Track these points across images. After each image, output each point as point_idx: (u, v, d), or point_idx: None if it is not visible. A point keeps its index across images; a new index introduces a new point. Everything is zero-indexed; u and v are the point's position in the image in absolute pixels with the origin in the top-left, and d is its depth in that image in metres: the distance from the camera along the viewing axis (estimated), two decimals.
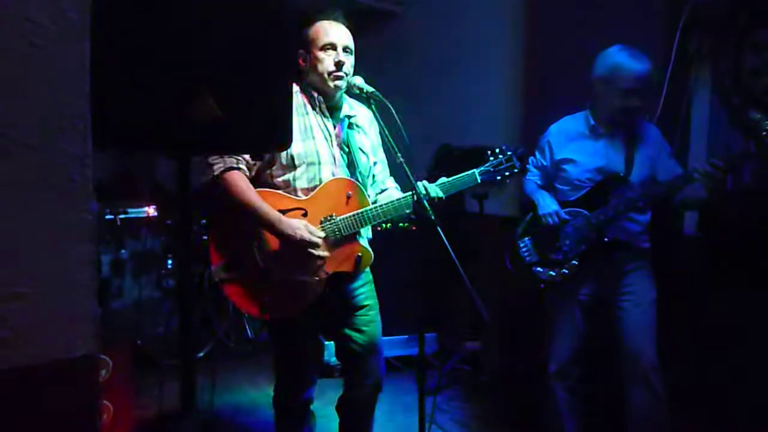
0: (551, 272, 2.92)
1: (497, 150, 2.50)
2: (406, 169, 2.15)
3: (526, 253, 3.00)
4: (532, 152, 3.08)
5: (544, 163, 3.04)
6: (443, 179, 2.47)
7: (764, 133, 2.51)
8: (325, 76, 2.40)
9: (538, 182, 3.06)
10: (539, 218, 2.91)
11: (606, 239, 2.82)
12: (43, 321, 1.06)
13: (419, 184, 2.36)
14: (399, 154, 2.19)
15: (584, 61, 3.31)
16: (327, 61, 2.40)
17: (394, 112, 2.18)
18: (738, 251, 3.07)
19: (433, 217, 2.09)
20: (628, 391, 2.85)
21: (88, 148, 1.12)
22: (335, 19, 2.46)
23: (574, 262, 2.87)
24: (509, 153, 2.49)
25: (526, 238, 3.01)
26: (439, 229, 2.02)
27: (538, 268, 2.96)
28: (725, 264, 3.15)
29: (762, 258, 2.97)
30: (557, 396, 3.01)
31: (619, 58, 2.74)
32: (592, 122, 2.90)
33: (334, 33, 2.42)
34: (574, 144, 2.94)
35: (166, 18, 1.25)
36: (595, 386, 3.08)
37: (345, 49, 2.43)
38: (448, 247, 1.98)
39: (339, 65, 2.38)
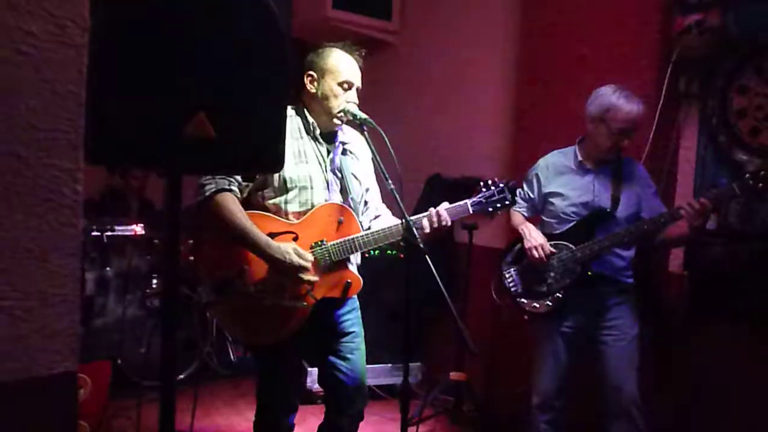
0: (535, 304, 2.94)
1: (489, 182, 2.51)
2: (396, 196, 2.15)
3: (511, 284, 3.02)
4: (520, 184, 3.11)
5: (532, 196, 3.07)
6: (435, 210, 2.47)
7: (747, 175, 2.59)
8: (334, 111, 2.42)
9: (525, 214, 3.08)
10: (525, 250, 2.93)
11: (590, 273, 2.85)
12: (23, 335, 1.05)
13: (432, 209, 2.36)
14: (390, 182, 2.20)
15: (575, 97, 3.36)
16: (341, 98, 2.42)
17: (386, 139, 2.19)
18: (722, 289, 3.10)
19: (422, 245, 2.09)
20: (609, 425, 2.86)
21: (79, 163, 1.12)
22: (356, 56, 2.48)
23: (558, 294, 2.89)
24: (501, 185, 2.50)
25: (512, 269, 3.03)
26: (427, 257, 2.02)
27: (523, 300, 2.97)
28: (709, 301, 3.17)
29: (744, 296, 2.99)
30: (539, 429, 3.00)
31: (614, 99, 2.79)
32: (580, 158, 2.95)
33: (355, 71, 2.45)
34: (561, 178, 2.98)
35: (163, 37, 1.26)
36: (577, 418, 3.06)
37: (357, 90, 2.47)
38: (436, 275, 1.98)
39: (351, 105, 2.41)
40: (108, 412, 3.13)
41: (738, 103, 3.11)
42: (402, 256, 4.28)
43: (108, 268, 2.96)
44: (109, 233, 3.05)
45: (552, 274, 2.89)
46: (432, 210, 2.36)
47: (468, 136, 4.59)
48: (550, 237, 2.93)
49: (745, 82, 3.09)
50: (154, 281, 4.15)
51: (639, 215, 2.87)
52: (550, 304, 2.90)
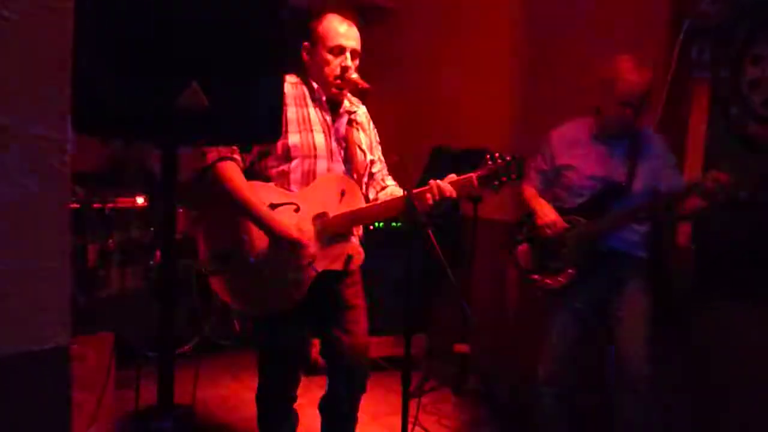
0: (547, 280, 2.90)
1: (496, 155, 2.46)
2: (392, 172, 2.11)
3: (521, 260, 2.99)
4: (528, 157, 3.05)
5: (545, 168, 3.01)
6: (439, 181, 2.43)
7: None
8: (329, 79, 2.37)
9: (539, 186, 3.03)
10: (538, 227, 2.89)
11: (602, 248, 2.80)
12: (12, 310, 1.02)
13: (432, 182, 2.31)
14: (393, 154, 2.16)
15: (583, 66, 3.29)
16: (333, 64, 2.36)
17: (388, 110, 2.14)
18: (728, 262, 3.06)
19: (422, 219, 2.06)
20: (618, 399, 2.82)
21: (67, 133, 1.08)
22: (347, 19, 2.41)
23: (570, 270, 2.85)
24: (508, 159, 2.45)
25: (525, 245, 2.99)
26: (429, 231, 1.99)
27: (535, 276, 2.94)
28: (716, 275, 3.13)
29: (751, 268, 2.95)
30: (545, 402, 2.98)
31: (619, 69, 2.71)
32: (594, 130, 2.88)
33: (346, 35, 2.37)
34: (575, 150, 2.91)
35: (156, 5, 1.22)
36: (587, 394, 3.05)
37: (353, 53, 2.39)
38: (437, 249, 1.95)
39: (345, 70, 2.35)
40: (111, 383, 3.14)
41: (751, 73, 3.04)
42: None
43: (110, 240, 2.95)
44: (111, 205, 3.03)
45: (565, 251, 2.85)
46: (432, 182, 2.32)
47: (472, 106, 4.52)
48: (562, 211, 2.88)
49: (759, 52, 3.01)
50: (158, 253, 4.14)
51: (656, 188, 2.79)
52: (563, 280, 2.86)
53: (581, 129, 2.94)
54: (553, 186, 3.00)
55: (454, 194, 2.33)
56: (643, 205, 2.72)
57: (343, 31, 2.37)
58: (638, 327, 2.81)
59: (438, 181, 2.32)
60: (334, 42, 2.36)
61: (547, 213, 2.88)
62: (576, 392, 3.00)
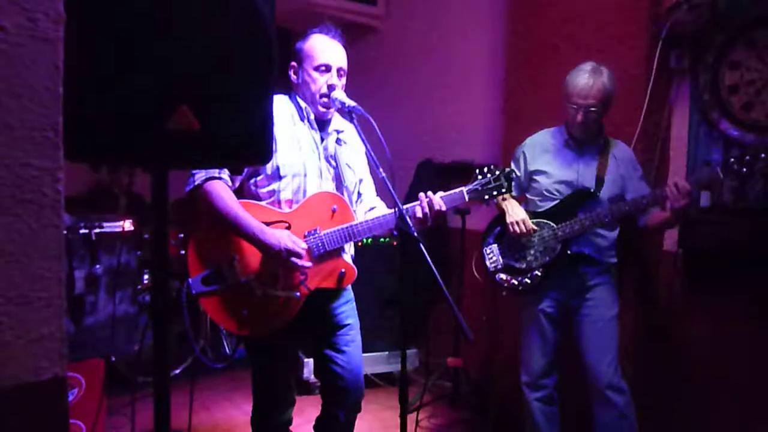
0: (513, 281, 2.94)
1: (485, 169, 2.48)
2: (388, 185, 2.12)
3: (491, 259, 3.01)
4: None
5: (518, 174, 3.05)
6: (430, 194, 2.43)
7: (731, 159, 2.58)
8: (316, 97, 2.38)
9: (514, 192, 3.05)
10: (506, 225, 2.91)
11: (569, 252, 2.85)
12: (7, 342, 1.01)
13: (422, 195, 2.33)
14: (381, 170, 2.17)
15: (565, 77, 3.32)
16: (320, 82, 2.37)
17: (375, 126, 2.15)
18: (715, 266, 3.09)
19: (415, 233, 2.06)
20: (591, 407, 2.89)
21: (59, 161, 1.08)
22: (333, 37, 2.42)
23: (536, 272, 2.89)
24: (497, 172, 2.46)
25: (494, 245, 3.03)
26: (421, 245, 1.99)
27: (501, 275, 2.97)
28: (704, 279, 3.16)
29: (738, 274, 2.98)
30: (532, 406, 3.02)
31: (574, 75, 2.80)
32: (565, 136, 2.95)
33: (331, 53, 2.38)
34: (547, 156, 2.98)
35: (145, 30, 1.22)
36: (570, 394, 3.07)
37: (339, 71, 2.40)
38: (430, 263, 1.95)
39: (331, 89, 2.36)
40: (104, 411, 3.10)
41: (730, 78, 3.08)
42: (395, 243, 4.26)
43: (97, 266, 2.92)
44: (97, 230, 3.01)
45: (532, 252, 2.90)
46: (422, 196, 2.33)
47: (458, 121, 4.56)
48: (533, 215, 2.93)
49: (737, 57, 3.06)
50: (145, 277, 4.10)
51: (623, 197, 2.86)
52: (529, 281, 2.90)
53: (553, 136, 3.01)
54: (525, 192, 3.06)
55: (444, 207, 2.34)
56: (607, 212, 2.76)
57: (329, 50, 2.39)
58: (603, 334, 2.86)
59: (429, 194, 2.33)
60: (320, 60, 2.37)
61: (516, 212, 2.91)
62: (563, 392, 3.03)
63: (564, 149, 2.95)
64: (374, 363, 4.21)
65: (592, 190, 2.85)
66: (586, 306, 2.89)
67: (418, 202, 2.31)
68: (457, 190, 2.41)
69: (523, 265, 2.92)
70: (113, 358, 3.78)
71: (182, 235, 4.36)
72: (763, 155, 2.53)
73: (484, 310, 4.08)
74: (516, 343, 3.14)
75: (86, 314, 2.88)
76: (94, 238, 3.06)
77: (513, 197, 3.02)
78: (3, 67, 0.98)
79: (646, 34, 3.31)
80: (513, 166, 3.08)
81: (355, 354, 2.51)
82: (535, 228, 2.88)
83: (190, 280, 2.31)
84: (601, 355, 2.84)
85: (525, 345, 3.04)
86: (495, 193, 2.44)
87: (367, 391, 2.67)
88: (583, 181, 2.88)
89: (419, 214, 2.31)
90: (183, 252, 4.15)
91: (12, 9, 0.98)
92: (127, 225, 3.22)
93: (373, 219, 2.37)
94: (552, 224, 2.87)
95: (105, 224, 3.12)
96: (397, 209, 2.15)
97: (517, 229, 2.87)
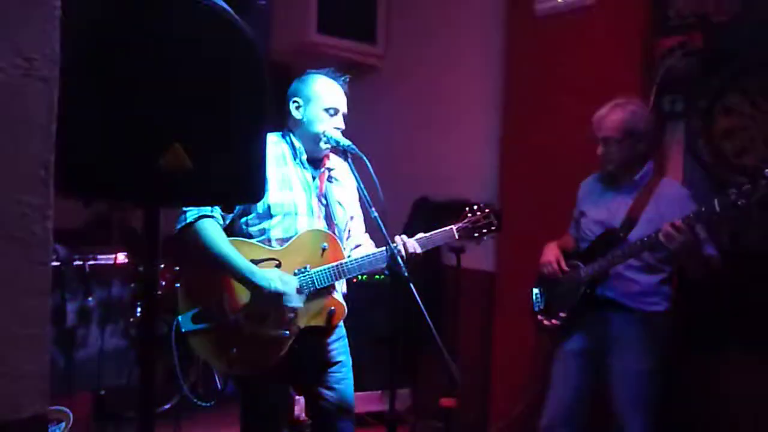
0: (545, 321, 2.92)
1: (475, 207, 2.50)
2: (380, 224, 2.13)
3: (534, 301, 3.01)
4: (512, 208, 3.09)
5: (575, 215, 3.05)
6: (420, 234, 2.45)
7: (729, 191, 2.41)
8: (320, 136, 2.40)
9: (572, 233, 3.06)
10: (540, 267, 2.93)
11: (599, 297, 2.76)
12: None
13: (398, 238, 2.35)
14: (373, 209, 2.18)
15: (560, 120, 3.35)
16: (327, 123, 2.40)
17: (369, 166, 2.17)
18: (713, 313, 3.06)
19: (406, 274, 2.07)
20: None
21: (49, 199, 1.08)
22: (341, 84, 2.47)
23: (561, 314, 2.85)
24: (487, 210, 2.49)
25: (539, 287, 3.02)
26: (411, 285, 2.00)
27: (539, 317, 2.97)
28: (700, 325, 3.12)
29: (741, 321, 2.95)
30: None
31: (601, 109, 2.78)
32: (602, 175, 2.93)
33: (340, 98, 2.45)
34: (590, 196, 2.97)
35: (137, 69, 1.23)
36: None
37: (343, 116, 2.46)
38: (420, 304, 1.95)
39: (337, 132, 2.40)
40: None
41: (723, 123, 3.12)
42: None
43: (90, 298, 2.91)
44: (91, 262, 3.01)
45: (560, 293, 2.87)
46: (397, 239, 2.36)
47: (455, 159, 4.58)
48: (573, 256, 2.90)
49: (730, 103, 3.10)
50: (138, 310, 4.08)
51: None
52: (556, 322, 2.87)
53: (599, 176, 2.97)
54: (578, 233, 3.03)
55: (419, 250, 2.36)
56: (623, 253, 2.66)
57: (338, 94, 2.44)
58: (630, 389, 2.71)
59: (403, 237, 2.37)
60: (330, 104, 2.41)
61: (547, 253, 2.92)
62: None
63: (605, 189, 2.91)
64: (367, 401, 4.15)
65: (618, 231, 2.75)
66: (613, 356, 2.75)
67: (395, 245, 2.32)
68: (447, 228, 2.44)
69: (554, 306, 2.90)
70: (102, 392, 3.74)
71: (178, 269, 4.35)
72: (763, 182, 2.33)
73: (480, 349, 4.05)
74: (514, 383, 3.09)
75: (77, 347, 2.87)
76: (87, 270, 3.06)
77: (573, 238, 3.02)
78: None
79: (640, 79, 3.35)
80: (575, 207, 3.07)
81: (347, 392, 2.50)
82: (565, 269, 2.85)
83: (179, 317, 2.30)
84: (630, 412, 2.70)
85: (550, 386, 2.95)
86: (485, 230, 2.46)
87: (359, 430, 2.63)
88: (614, 221, 2.79)
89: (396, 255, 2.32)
90: (177, 285, 4.13)
91: (8, 48, 1.00)
92: (121, 258, 3.22)
93: (363, 257, 2.37)
94: (581, 265, 2.82)
95: (99, 257, 3.12)
96: (387, 248, 2.16)
97: (545, 270, 2.89)
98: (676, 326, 2.87)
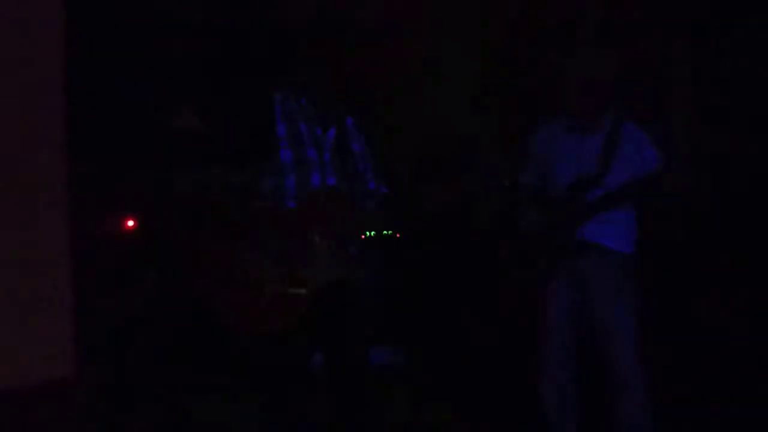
0: (525, 272, 2.91)
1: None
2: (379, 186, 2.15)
3: (503, 253, 3.02)
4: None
5: (532, 167, 3.01)
6: None
7: None
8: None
9: (532, 181, 3.03)
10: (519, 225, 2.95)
11: (577, 242, 2.79)
12: (17, 342, 1.02)
13: None
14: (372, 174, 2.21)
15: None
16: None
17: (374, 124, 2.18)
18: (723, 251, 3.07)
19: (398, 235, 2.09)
20: (611, 397, 2.81)
21: (66, 162, 1.09)
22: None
23: (543, 262, 2.84)
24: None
25: (507, 240, 3.03)
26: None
27: (514, 269, 2.96)
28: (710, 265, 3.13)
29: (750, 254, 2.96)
30: (546, 400, 2.94)
31: (572, 57, 2.83)
32: (568, 122, 2.90)
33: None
34: (553, 144, 2.94)
35: (150, 33, 1.23)
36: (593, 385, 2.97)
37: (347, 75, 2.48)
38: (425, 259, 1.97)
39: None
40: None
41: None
42: (398, 235, 4.26)
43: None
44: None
45: (539, 243, 2.85)
46: None
47: (460, 120, 4.54)
48: (543, 205, 2.90)
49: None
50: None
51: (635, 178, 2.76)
52: (536, 273, 2.86)
53: (557, 125, 2.95)
54: (541, 183, 3.00)
55: None
56: (606, 195, 2.72)
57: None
58: (621, 324, 2.78)
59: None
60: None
61: (528, 214, 2.93)
62: (582, 384, 2.95)
63: (567, 137, 2.89)
64: (380, 356, 4.20)
65: (595, 176, 2.77)
66: (598, 298, 2.81)
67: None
68: None
69: (533, 257, 2.87)
70: (124, 361, 3.77)
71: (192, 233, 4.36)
72: None
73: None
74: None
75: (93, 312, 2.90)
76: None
77: (532, 186, 3.01)
78: (11, 73, 0.99)
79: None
80: (529, 154, 3.04)
81: (362, 346, 2.53)
82: (540, 218, 2.86)
83: (202, 281, 2.33)
84: (621, 345, 2.77)
85: (539, 335, 2.97)
86: None
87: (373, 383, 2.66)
88: (587, 167, 2.79)
89: None
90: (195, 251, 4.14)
91: (17, 14, 0.99)
92: (131, 223, 3.23)
93: (377, 212, 2.40)
94: (556, 212, 2.83)
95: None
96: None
97: (524, 225, 2.89)
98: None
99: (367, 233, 4.24)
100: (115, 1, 1.19)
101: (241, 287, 2.31)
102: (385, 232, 4.28)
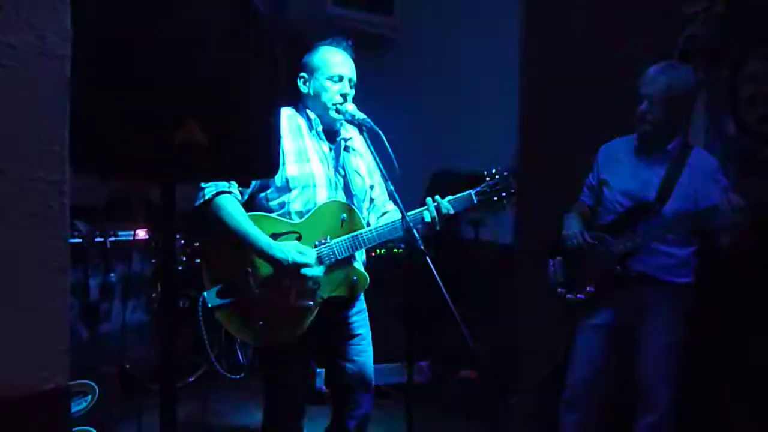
0: (569, 295, 2.81)
1: (493, 171, 2.49)
2: (396, 197, 2.14)
3: (551, 272, 2.91)
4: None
5: (593, 183, 2.93)
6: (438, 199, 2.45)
7: None
8: (329, 105, 2.41)
9: (587, 202, 2.96)
10: (564, 239, 2.83)
11: (631, 272, 2.67)
12: (11, 352, 1.03)
13: (429, 200, 2.36)
14: (389, 182, 2.19)
15: (582, 86, 3.29)
16: (333, 91, 2.41)
17: (384, 140, 2.17)
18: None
19: (422, 247, 2.07)
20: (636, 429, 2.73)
21: (65, 174, 1.10)
22: (344, 49, 2.47)
23: (589, 288, 2.75)
24: (505, 173, 2.48)
25: (557, 258, 2.90)
26: (427, 258, 2.00)
27: (561, 289, 2.86)
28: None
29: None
30: (565, 428, 2.87)
31: (652, 66, 2.64)
32: (635, 142, 2.77)
33: (344, 65, 2.44)
34: (615, 165, 2.83)
35: (151, 43, 1.24)
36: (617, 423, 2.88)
37: (350, 82, 2.44)
38: (436, 275, 1.96)
39: (345, 98, 2.40)
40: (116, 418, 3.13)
41: (746, 92, 3.05)
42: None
43: (112, 274, 2.96)
44: (112, 238, 3.05)
45: (587, 266, 2.75)
46: (429, 200, 2.37)
47: (473, 131, 4.55)
48: (599, 228, 2.80)
49: (753, 70, 3.03)
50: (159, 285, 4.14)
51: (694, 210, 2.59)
52: (582, 297, 2.76)
53: (625, 141, 2.84)
54: (597, 202, 2.91)
55: (452, 211, 2.37)
56: (665, 228, 2.59)
57: (342, 61, 2.44)
58: (661, 360, 2.67)
59: (436, 197, 2.38)
60: (334, 71, 2.42)
61: (570, 224, 2.84)
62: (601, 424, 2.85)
63: (632, 157, 2.77)
64: (386, 374, 4.19)
65: (652, 203, 2.65)
66: (643, 330, 2.70)
67: (426, 207, 2.33)
68: (465, 193, 2.44)
69: (579, 280, 2.79)
70: (127, 366, 3.82)
71: (198, 244, 4.40)
72: None
73: (499, 322, 4.05)
74: (533, 358, 3.07)
75: (101, 322, 2.92)
76: (108, 246, 3.10)
77: (589, 207, 2.94)
78: (11, 83, 1.00)
79: (663, 46, 3.27)
80: (590, 175, 2.96)
81: (367, 364, 2.53)
82: (590, 241, 2.74)
83: (205, 293, 2.34)
84: (657, 384, 2.67)
85: (571, 360, 2.89)
86: (504, 194, 2.46)
87: (378, 402, 2.66)
88: (644, 192, 2.69)
89: (428, 219, 2.33)
90: (198, 261, 4.18)
91: (21, 27, 1.01)
92: (141, 234, 3.26)
93: (382, 226, 2.39)
94: (609, 238, 2.71)
95: (120, 233, 3.16)
96: (403, 221, 2.16)
97: (569, 243, 2.78)
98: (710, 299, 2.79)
99: (378, 251, 4.23)
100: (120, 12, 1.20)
101: (244, 299, 2.32)
102: (395, 250, 4.28)
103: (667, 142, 2.69)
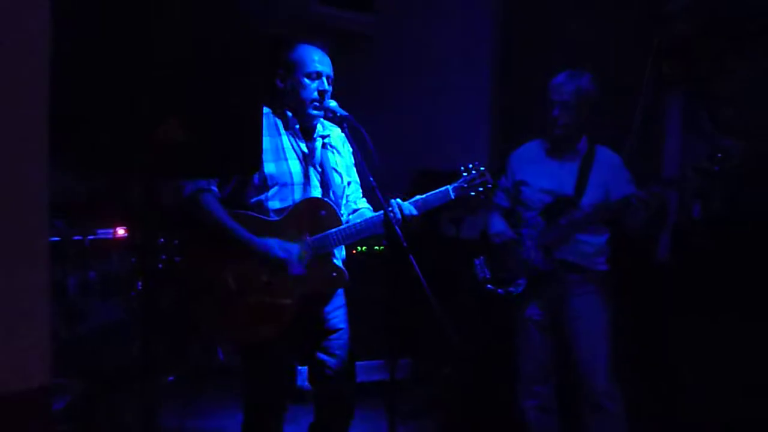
0: (499, 290, 2.94)
1: (470, 166, 2.52)
2: (378, 192, 2.15)
3: (478, 271, 3.03)
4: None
5: (507, 185, 3.08)
6: (417, 197, 2.47)
7: (719, 155, 2.52)
8: (306, 102, 2.41)
9: (502, 204, 3.10)
10: (489, 237, 2.98)
11: (554, 260, 2.84)
12: None
13: (393, 201, 2.36)
14: (371, 178, 2.20)
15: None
16: (310, 88, 2.41)
17: (366, 136, 2.17)
18: (707, 277, 3.08)
19: (404, 242, 2.08)
20: (585, 417, 2.86)
21: (45, 171, 1.08)
22: (320, 47, 2.47)
23: (519, 281, 2.89)
24: (482, 168, 2.51)
25: (482, 257, 3.04)
26: (410, 256, 2.01)
27: (489, 286, 2.98)
28: (694, 290, 3.15)
29: (730, 284, 2.97)
30: (528, 416, 2.98)
31: (559, 75, 2.84)
32: (547, 145, 2.97)
33: (321, 62, 2.44)
34: (531, 166, 3.00)
35: (134, 42, 1.23)
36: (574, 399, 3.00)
37: (328, 79, 2.44)
38: (419, 272, 1.96)
39: (322, 95, 2.40)
40: (97, 416, 3.11)
41: (721, 89, 3.09)
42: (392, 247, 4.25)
43: (91, 272, 2.93)
44: (91, 237, 3.02)
45: (515, 261, 2.90)
46: (392, 202, 2.37)
47: (453, 128, 4.56)
48: (518, 225, 2.95)
49: (730, 66, 3.07)
50: (139, 284, 4.10)
51: (607, 201, 2.84)
52: (513, 290, 2.90)
53: (538, 145, 3.03)
54: (513, 202, 3.07)
55: (415, 212, 2.40)
56: (585, 217, 2.78)
57: (318, 58, 2.44)
58: (596, 342, 2.83)
59: (397, 200, 2.39)
60: (310, 68, 2.41)
61: (497, 223, 2.98)
62: (562, 399, 2.99)
63: (546, 159, 2.97)
64: (368, 371, 4.19)
65: (571, 197, 2.85)
66: (573, 316, 2.87)
67: (390, 208, 2.34)
68: (442, 188, 2.46)
69: (508, 275, 2.93)
70: (106, 365, 3.78)
71: (177, 242, 4.37)
72: (734, 152, 2.49)
73: (479, 319, 4.07)
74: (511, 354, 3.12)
75: (79, 321, 2.89)
76: (87, 245, 3.07)
77: (502, 208, 3.06)
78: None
79: (639, 43, 3.32)
80: (503, 177, 3.10)
81: (347, 358, 2.53)
82: (515, 237, 2.90)
83: (184, 289, 2.32)
84: (595, 365, 2.82)
85: (518, 352, 3.03)
86: (481, 189, 2.48)
87: (361, 400, 2.66)
88: (564, 189, 2.88)
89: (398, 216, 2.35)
90: (177, 259, 4.15)
91: (2, 23, 0.99)
92: (120, 232, 3.23)
93: (360, 222, 2.40)
94: (534, 233, 2.88)
95: (99, 231, 3.13)
96: (385, 218, 2.17)
97: (496, 240, 2.94)
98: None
99: (359, 248, 4.24)
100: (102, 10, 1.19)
101: (224, 297, 2.31)
102: (376, 247, 4.29)
103: (576, 142, 2.91)
